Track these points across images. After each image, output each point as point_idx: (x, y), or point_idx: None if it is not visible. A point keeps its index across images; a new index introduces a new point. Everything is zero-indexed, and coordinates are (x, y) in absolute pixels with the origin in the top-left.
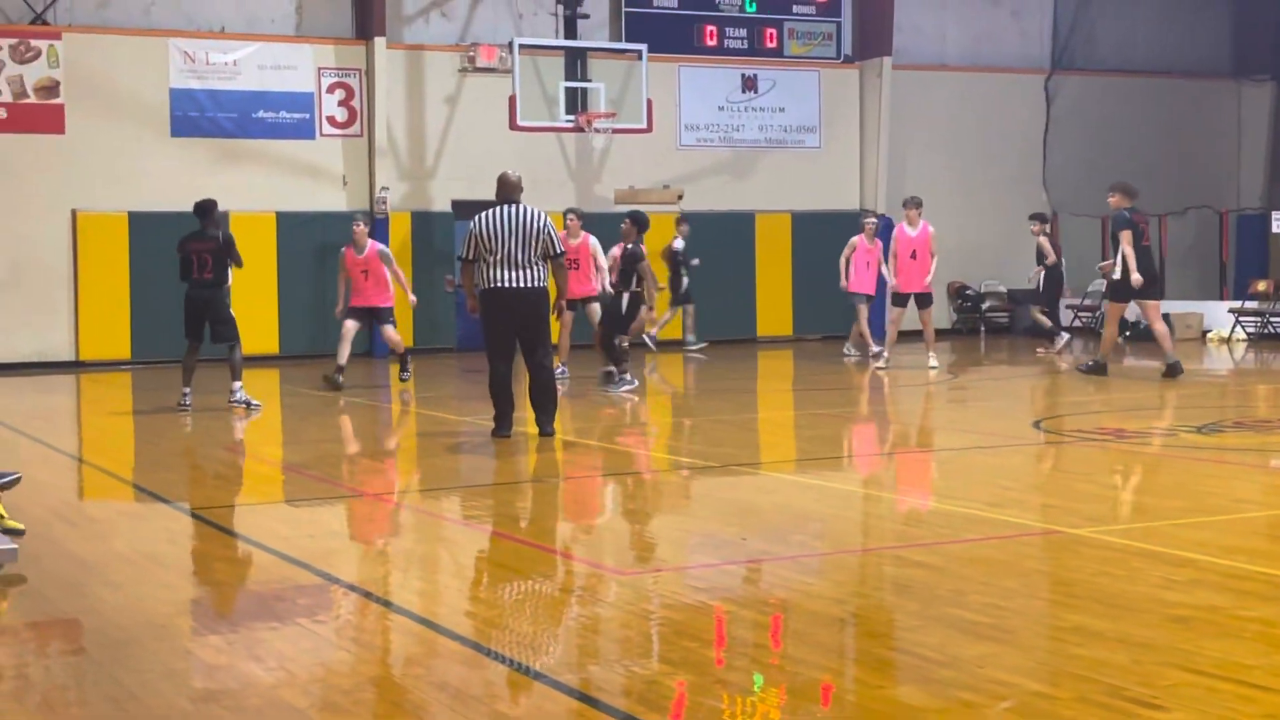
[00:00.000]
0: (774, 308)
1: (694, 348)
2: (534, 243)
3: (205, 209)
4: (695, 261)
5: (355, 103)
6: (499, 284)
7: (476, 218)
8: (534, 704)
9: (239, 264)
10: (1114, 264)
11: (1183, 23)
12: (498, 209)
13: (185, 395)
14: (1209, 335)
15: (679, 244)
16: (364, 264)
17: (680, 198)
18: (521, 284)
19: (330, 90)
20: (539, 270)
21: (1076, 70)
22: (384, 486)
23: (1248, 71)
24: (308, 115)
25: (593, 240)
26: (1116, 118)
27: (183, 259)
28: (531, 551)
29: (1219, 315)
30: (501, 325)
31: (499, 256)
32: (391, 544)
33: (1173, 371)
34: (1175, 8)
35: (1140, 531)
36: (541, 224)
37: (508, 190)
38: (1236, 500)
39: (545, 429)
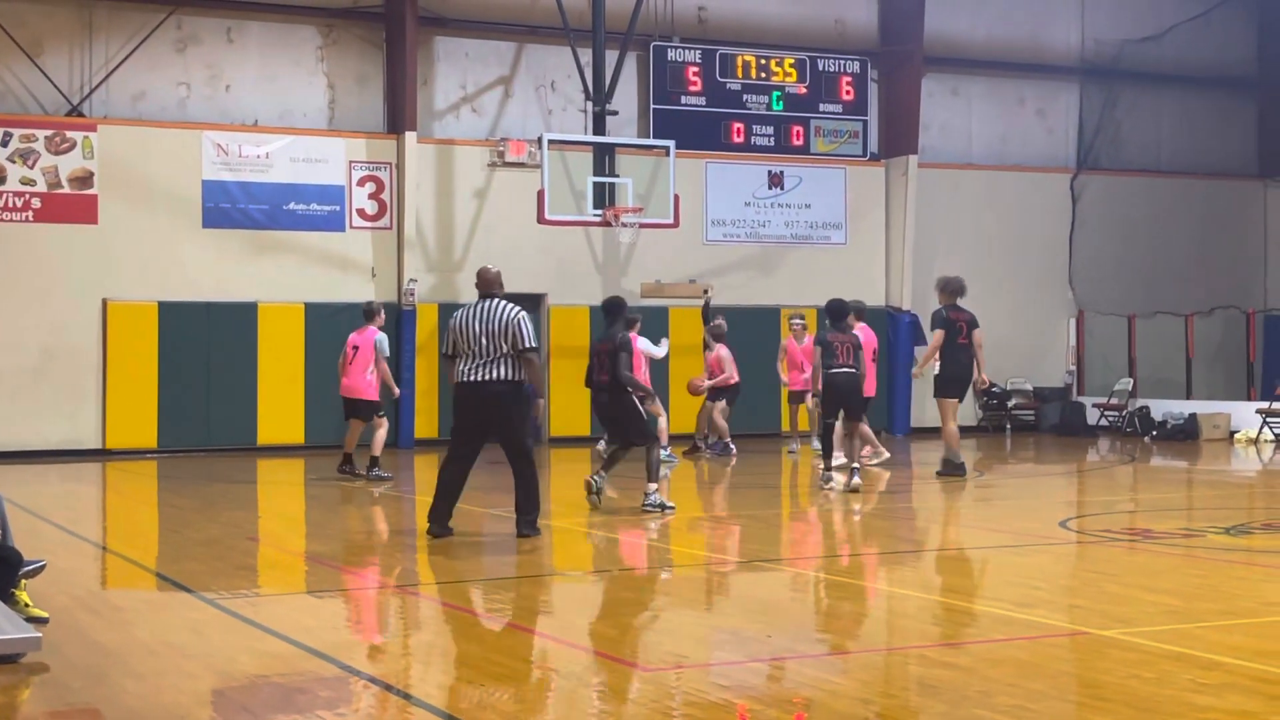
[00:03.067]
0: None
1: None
2: (502, 338)
3: (610, 309)
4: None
5: (385, 195)
6: (464, 379)
7: (455, 314)
8: None
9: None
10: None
11: (1209, 123)
12: (473, 304)
13: (596, 477)
14: (1236, 436)
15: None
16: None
17: (706, 292)
18: (486, 378)
19: (361, 183)
20: (507, 366)
21: (1102, 170)
22: (407, 578)
23: (1274, 172)
24: (338, 208)
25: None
26: (1142, 217)
27: (589, 359)
28: (553, 646)
29: (1246, 416)
30: (462, 420)
31: (469, 352)
32: (413, 637)
33: (949, 469)
34: (1201, 109)
35: (1169, 634)
36: (510, 317)
37: (485, 285)
38: (1267, 603)
39: (523, 529)
